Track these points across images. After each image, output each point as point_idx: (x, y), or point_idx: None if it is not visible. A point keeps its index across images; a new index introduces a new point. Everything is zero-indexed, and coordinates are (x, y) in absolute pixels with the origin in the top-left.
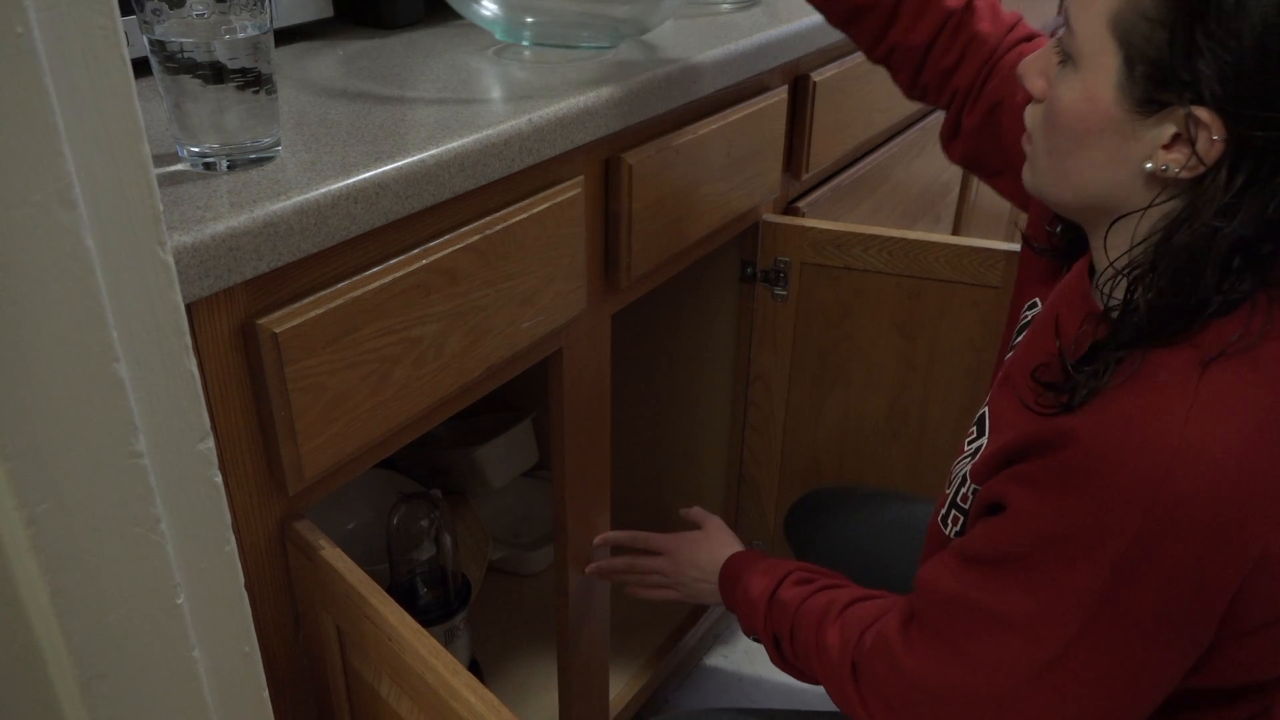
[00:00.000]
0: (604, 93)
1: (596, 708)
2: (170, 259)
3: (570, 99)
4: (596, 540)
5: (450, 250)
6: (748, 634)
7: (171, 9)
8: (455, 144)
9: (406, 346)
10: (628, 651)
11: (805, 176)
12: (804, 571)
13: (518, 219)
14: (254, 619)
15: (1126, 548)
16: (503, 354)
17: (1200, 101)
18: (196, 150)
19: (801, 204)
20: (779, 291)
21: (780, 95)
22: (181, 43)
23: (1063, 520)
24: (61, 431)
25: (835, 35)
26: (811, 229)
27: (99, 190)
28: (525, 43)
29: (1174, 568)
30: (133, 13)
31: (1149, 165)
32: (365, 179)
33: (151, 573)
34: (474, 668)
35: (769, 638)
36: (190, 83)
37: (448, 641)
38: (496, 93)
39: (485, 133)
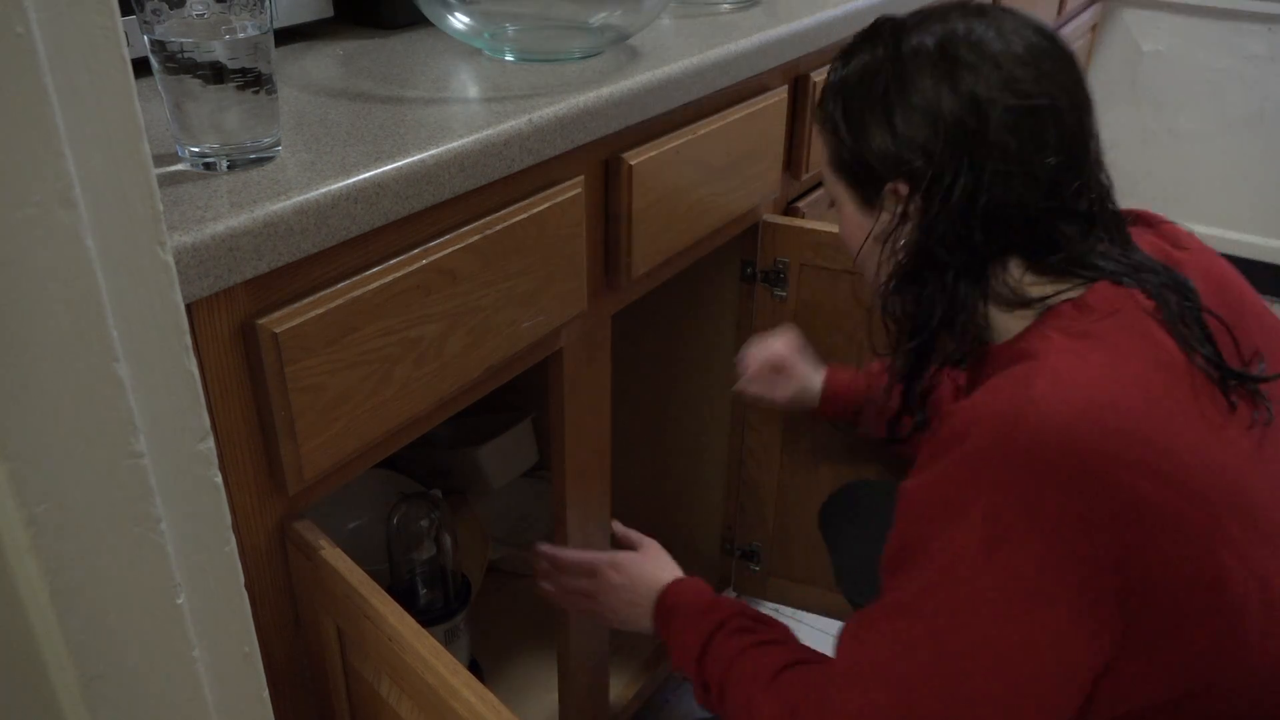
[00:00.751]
0: (604, 93)
1: (596, 708)
2: (170, 259)
3: (570, 99)
4: (537, 549)
5: (450, 250)
6: (675, 670)
7: (171, 9)
8: (455, 144)
9: (406, 346)
10: (628, 651)
11: (805, 176)
12: (743, 619)
13: (518, 219)
14: (254, 619)
15: (991, 500)
16: (503, 354)
17: (889, 178)
18: (196, 150)
19: (801, 204)
20: (779, 292)
21: (780, 95)
22: (181, 43)
23: (935, 491)
24: (61, 431)
25: (835, 35)
26: (811, 230)
27: (99, 190)
28: (510, 58)
29: (1039, 516)
30: (133, 13)
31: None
32: (365, 179)
33: (151, 573)
34: (474, 668)
35: (699, 684)
36: (190, 83)
37: (448, 641)
38: (496, 93)
39: (485, 133)
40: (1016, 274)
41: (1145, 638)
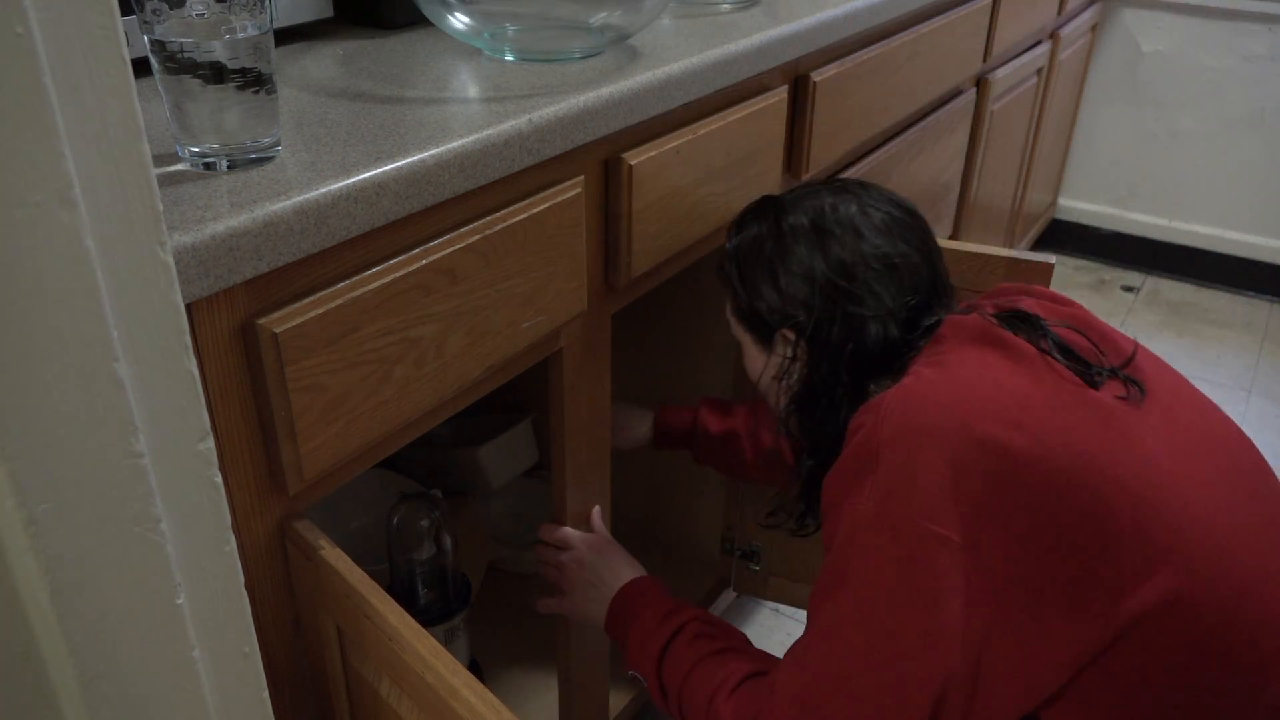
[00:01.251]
0: (604, 93)
1: (596, 708)
2: (170, 259)
3: (570, 99)
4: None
5: (450, 250)
6: (629, 670)
7: (171, 9)
8: (455, 144)
9: (406, 346)
10: None
11: (805, 176)
12: (702, 624)
13: (518, 219)
14: (254, 619)
15: (879, 468)
16: (503, 354)
17: (780, 327)
18: (196, 150)
19: None
20: None
21: (780, 95)
22: (181, 43)
23: (840, 476)
24: (61, 431)
25: (835, 35)
26: None
27: (99, 190)
28: (510, 58)
29: (913, 468)
30: (133, 13)
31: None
32: (365, 179)
33: (151, 573)
34: (474, 668)
35: (656, 688)
36: (190, 83)
37: (448, 641)
38: (496, 93)
39: (485, 133)
40: (884, 380)
41: (1029, 589)
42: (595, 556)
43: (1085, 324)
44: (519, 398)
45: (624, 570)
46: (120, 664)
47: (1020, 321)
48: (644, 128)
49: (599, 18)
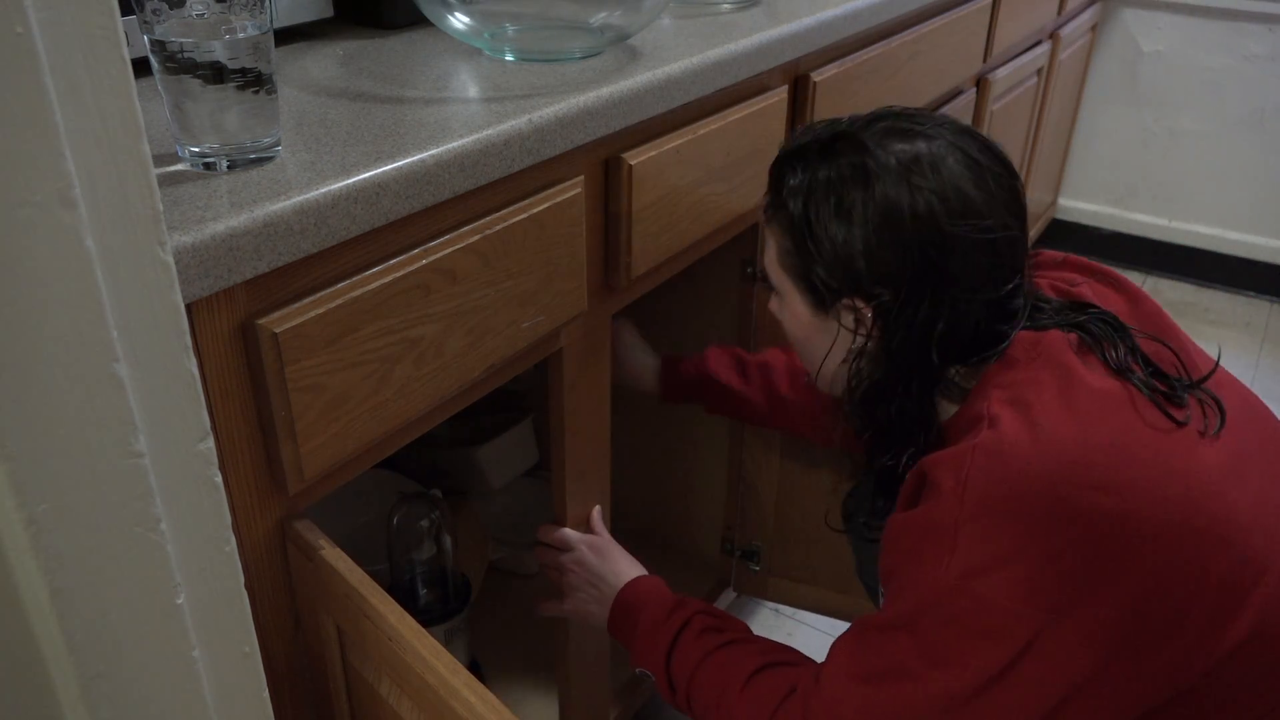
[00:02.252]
0: (604, 93)
1: (596, 708)
2: (170, 259)
3: (570, 99)
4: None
5: (450, 250)
6: (634, 667)
7: (171, 9)
8: (455, 144)
9: (406, 346)
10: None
11: None
12: (709, 617)
13: (518, 219)
14: (254, 619)
15: (959, 547)
16: (503, 354)
17: (848, 294)
18: (196, 150)
19: None
20: None
21: (780, 95)
22: (181, 43)
23: (915, 526)
24: (61, 431)
25: (835, 35)
26: None
27: (99, 190)
28: (510, 58)
29: (998, 551)
30: (133, 13)
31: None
32: (365, 179)
33: (151, 573)
34: (474, 668)
35: (665, 683)
36: (190, 83)
37: (448, 641)
38: (496, 92)
39: (485, 133)
40: (962, 368)
41: (1127, 644)
42: (596, 557)
43: (1164, 329)
44: (519, 398)
45: (626, 570)
46: (120, 664)
47: (1099, 325)
48: (644, 128)
49: (599, 18)
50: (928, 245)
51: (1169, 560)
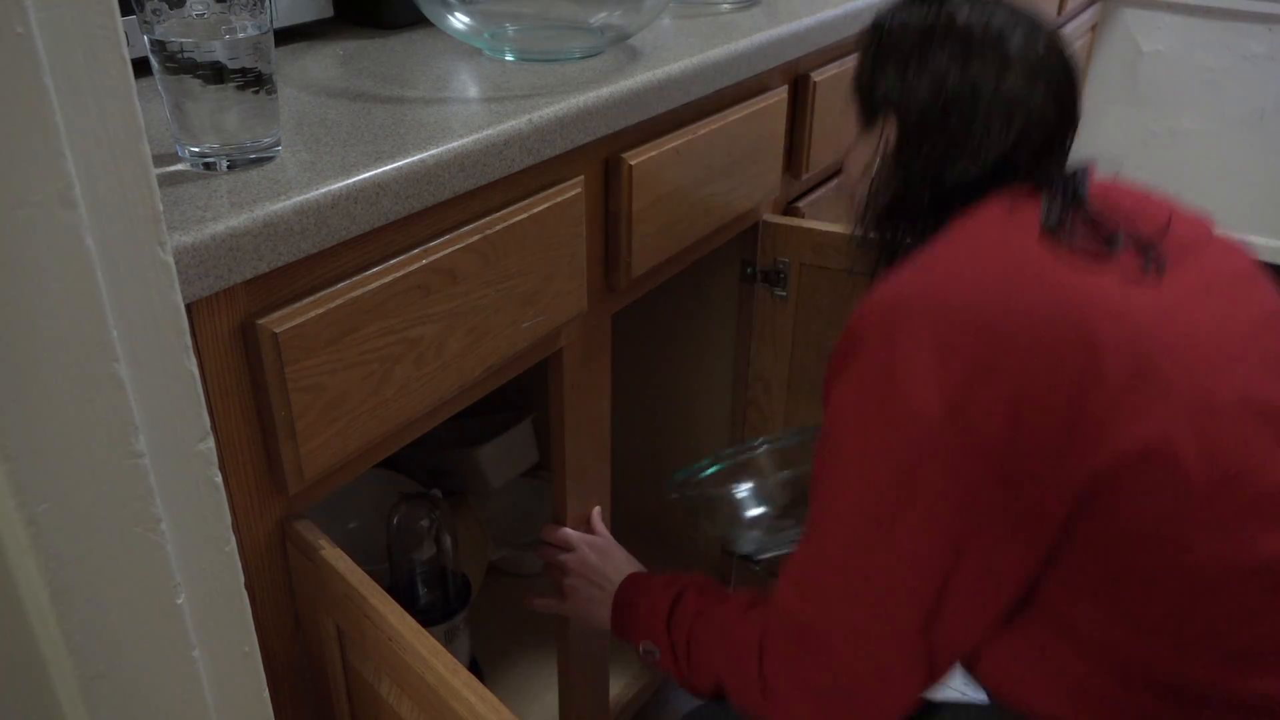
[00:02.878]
0: (604, 93)
1: (596, 708)
2: (170, 259)
3: (570, 99)
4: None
5: (450, 250)
6: (637, 644)
7: (171, 9)
8: (455, 144)
9: (406, 346)
10: (628, 651)
11: (805, 176)
12: (708, 581)
13: (518, 219)
14: (254, 619)
15: (862, 354)
16: (503, 354)
17: (884, 110)
18: (196, 150)
19: (801, 204)
20: (779, 292)
21: (780, 95)
22: (181, 43)
23: (834, 353)
24: (61, 431)
25: (835, 35)
26: (812, 230)
27: (99, 190)
28: (510, 58)
29: (891, 352)
30: (133, 13)
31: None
32: (365, 179)
33: (151, 573)
34: (474, 668)
35: (667, 648)
36: (190, 83)
37: (448, 641)
38: (496, 93)
39: (485, 133)
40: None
41: (1010, 454)
42: (597, 557)
43: (1137, 200)
44: (519, 398)
45: (626, 569)
46: (120, 664)
47: (1060, 184)
48: (644, 128)
49: (599, 18)
50: (959, 95)
51: (1045, 368)
